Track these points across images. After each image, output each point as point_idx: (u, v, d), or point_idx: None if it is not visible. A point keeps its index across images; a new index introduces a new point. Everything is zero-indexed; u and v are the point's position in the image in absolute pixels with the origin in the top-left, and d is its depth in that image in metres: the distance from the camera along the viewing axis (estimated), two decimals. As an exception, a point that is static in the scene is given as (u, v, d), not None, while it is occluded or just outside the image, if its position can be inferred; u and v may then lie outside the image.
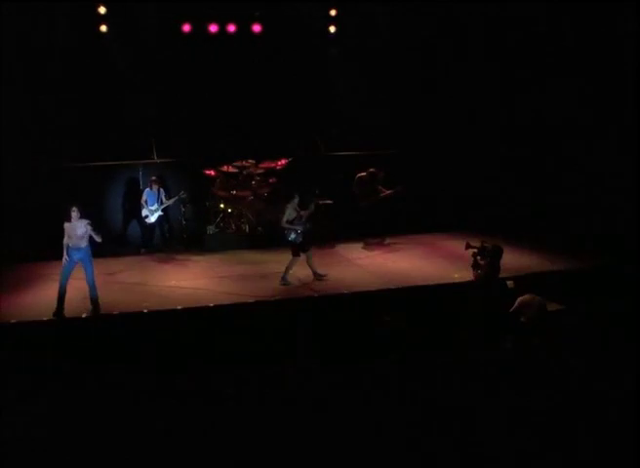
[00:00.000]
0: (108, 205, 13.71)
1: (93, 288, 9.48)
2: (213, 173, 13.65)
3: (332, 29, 14.79)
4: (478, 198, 14.09)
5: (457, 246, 10.36)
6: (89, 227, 9.30)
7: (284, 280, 10.71)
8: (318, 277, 10.88)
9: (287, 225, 10.70)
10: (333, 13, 14.59)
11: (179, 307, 9.51)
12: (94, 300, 9.47)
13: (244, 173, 13.62)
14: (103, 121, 13.41)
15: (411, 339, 8.80)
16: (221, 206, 13.62)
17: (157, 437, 6.66)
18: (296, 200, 10.83)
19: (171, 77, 13.90)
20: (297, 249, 10.77)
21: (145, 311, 9.39)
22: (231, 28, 14.19)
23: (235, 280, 11.08)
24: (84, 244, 9.38)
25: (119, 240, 13.48)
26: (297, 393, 7.31)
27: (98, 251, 12.27)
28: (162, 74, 13.87)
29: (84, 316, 9.32)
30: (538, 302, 8.81)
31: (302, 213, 10.77)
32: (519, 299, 8.91)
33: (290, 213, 10.69)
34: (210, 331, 9.04)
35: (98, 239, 9.43)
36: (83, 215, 9.36)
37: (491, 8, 13.62)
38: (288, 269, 10.77)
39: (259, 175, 13.75)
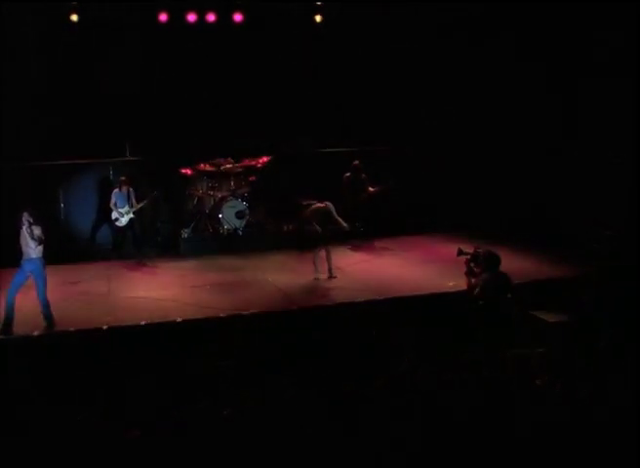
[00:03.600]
0: (75, 207, 12.80)
1: (45, 304, 8.58)
2: (189, 171, 12.84)
3: (318, 19, 13.88)
4: (474, 197, 13.29)
5: (450, 249, 9.48)
6: (27, 231, 8.32)
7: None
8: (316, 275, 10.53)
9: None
10: (319, 1, 13.68)
11: (142, 322, 8.60)
12: (47, 317, 8.57)
13: (222, 171, 12.79)
14: (70, 115, 12.48)
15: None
16: (199, 207, 12.74)
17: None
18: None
19: (146, 69, 13.04)
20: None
21: (105, 327, 8.47)
22: (211, 17, 13.33)
23: (209, 290, 10.22)
24: (35, 254, 8.44)
25: (87, 245, 12.56)
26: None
27: (63, 256, 11.61)
28: (136, 66, 12.97)
29: (36, 333, 8.39)
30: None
31: None
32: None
33: None
34: (176, 349, 8.12)
35: (35, 247, 8.45)
36: (36, 221, 8.41)
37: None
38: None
39: (238, 173, 12.90)
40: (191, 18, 13.28)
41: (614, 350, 7.68)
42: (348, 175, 12.62)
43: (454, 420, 6.29)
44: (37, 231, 8.38)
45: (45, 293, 8.56)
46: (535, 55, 12.59)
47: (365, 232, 12.56)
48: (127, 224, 11.95)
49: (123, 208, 11.86)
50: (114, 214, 11.88)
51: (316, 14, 13.80)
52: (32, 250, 8.40)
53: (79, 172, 12.82)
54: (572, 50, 12.05)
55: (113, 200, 11.87)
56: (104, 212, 12.30)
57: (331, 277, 10.55)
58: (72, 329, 8.49)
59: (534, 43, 12.60)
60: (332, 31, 13.63)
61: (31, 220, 8.33)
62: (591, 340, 8.18)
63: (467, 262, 9.22)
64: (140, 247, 12.23)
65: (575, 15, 11.78)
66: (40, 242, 8.41)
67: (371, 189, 12.51)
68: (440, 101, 13.61)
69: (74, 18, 12.69)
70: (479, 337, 8.31)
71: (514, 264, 10.30)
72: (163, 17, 13.15)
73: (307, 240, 10.81)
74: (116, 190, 11.97)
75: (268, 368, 7.71)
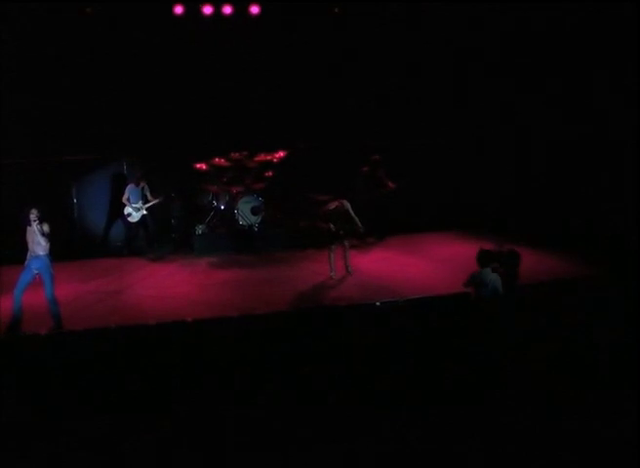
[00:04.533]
0: (88, 203, 12.57)
1: (53, 302, 8.38)
2: (204, 166, 12.54)
3: (336, 10, 13.54)
4: (491, 193, 12.93)
5: (466, 247, 9.13)
6: (37, 227, 8.12)
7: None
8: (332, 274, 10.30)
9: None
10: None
11: (151, 322, 8.34)
12: (55, 316, 8.37)
13: (237, 166, 12.48)
14: (85, 110, 12.28)
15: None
16: (214, 203, 12.49)
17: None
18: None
19: (160, 62, 12.77)
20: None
21: (113, 327, 8.24)
22: (227, 10, 13.06)
23: (222, 288, 9.98)
24: (42, 252, 8.24)
25: (99, 241, 12.36)
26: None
27: (75, 253, 11.45)
28: (151, 59, 12.75)
29: (43, 333, 8.17)
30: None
31: None
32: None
33: None
34: (185, 351, 7.86)
35: (43, 244, 8.25)
36: (43, 219, 8.21)
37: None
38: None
39: (254, 168, 12.59)
40: (207, 10, 13.02)
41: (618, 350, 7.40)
42: (366, 168, 12.29)
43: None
44: (45, 228, 8.21)
45: (53, 291, 8.37)
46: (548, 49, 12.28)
47: (380, 230, 12.25)
48: (140, 220, 11.76)
49: (136, 203, 11.66)
50: (127, 210, 11.69)
51: (334, 5, 13.51)
52: (41, 247, 8.22)
53: (92, 167, 12.60)
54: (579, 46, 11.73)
55: (126, 195, 11.70)
56: (118, 208, 12.10)
57: (347, 274, 10.32)
58: (80, 328, 8.25)
59: (543, 39, 12.28)
60: (349, 24, 13.31)
61: (39, 218, 8.13)
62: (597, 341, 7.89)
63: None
64: (152, 243, 12.04)
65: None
66: (48, 239, 8.21)
67: (390, 185, 12.18)
68: (453, 98, 13.27)
69: (89, 11, 12.51)
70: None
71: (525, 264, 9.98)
72: (178, 9, 12.91)
73: (323, 237, 10.53)
74: (131, 185, 11.78)
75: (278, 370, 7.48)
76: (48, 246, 8.28)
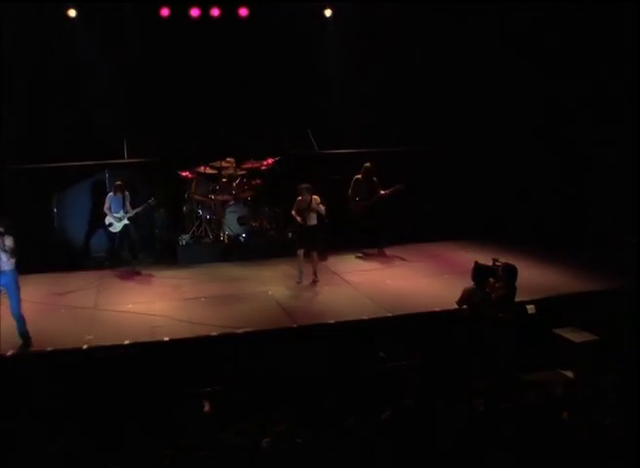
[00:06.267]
0: (69, 212, 12.07)
1: (20, 321, 7.87)
2: (188, 174, 12.05)
3: (327, 13, 13.19)
4: (494, 202, 12.48)
5: (470, 258, 8.66)
6: (7, 242, 7.62)
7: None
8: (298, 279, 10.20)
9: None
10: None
11: (126, 342, 7.85)
12: (22, 335, 7.87)
13: (224, 174, 12.00)
14: (64, 115, 11.92)
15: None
16: (199, 212, 12.00)
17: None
18: None
19: (145, 66, 12.41)
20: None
21: (85, 347, 7.74)
22: (215, 12, 12.69)
23: (204, 303, 9.44)
24: (7, 266, 7.71)
25: (81, 252, 11.87)
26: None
27: (53, 265, 10.97)
28: (135, 63, 12.37)
29: (9, 354, 7.68)
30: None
31: None
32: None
33: None
34: (163, 373, 7.40)
35: (7, 259, 7.74)
36: (7, 231, 7.69)
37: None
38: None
39: (241, 176, 12.12)
40: (194, 12, 12.64)
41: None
42: (359, 177, 11.83)
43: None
44: (9, 242, 7.67)
45: (19, 309, 7.86)
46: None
47: (379, 240, 11.80)
48: (122, 230, 11.27)
49: (117, 213, 11.17)
50: (108, 220, 11.19)
51: (325, 8, 13.11)
52: (4, 262, 7.69)
53: (74, 175, 12.10)
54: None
55: (107, 204, 11.19)
56: (99, 217, 11.60)
57: (314, 281, 10.13)
58: (49, 348, 7.77)
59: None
60: (340, 27, 12.95)
61: (3, 231, 7.62)
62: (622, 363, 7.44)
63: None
64: (135, 254, 11.52)
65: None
66: (12, 254, 7.69)
67: (382, 192, 11.73)
68: (456, 103, 12.76)
69: (72, 13, 12.11)
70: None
71: (534, 277, 9.54)
72: (165, 12, 12.53)
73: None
74: (110, 194, 11.28)
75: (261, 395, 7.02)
76: (13, 260, 7.74)
